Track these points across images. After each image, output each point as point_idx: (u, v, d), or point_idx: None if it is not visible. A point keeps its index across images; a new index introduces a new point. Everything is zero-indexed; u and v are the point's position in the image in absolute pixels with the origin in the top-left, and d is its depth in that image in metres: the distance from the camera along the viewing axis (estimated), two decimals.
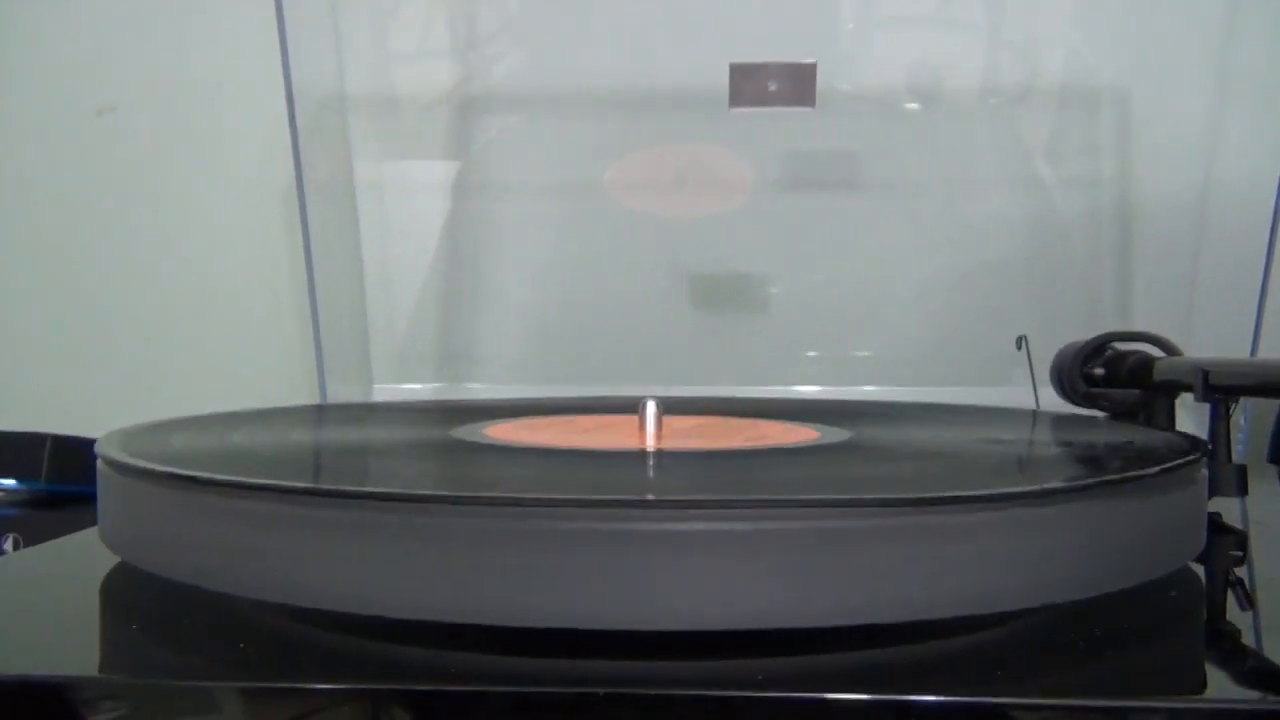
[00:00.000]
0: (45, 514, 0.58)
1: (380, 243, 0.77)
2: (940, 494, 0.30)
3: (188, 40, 0.84)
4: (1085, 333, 0.54)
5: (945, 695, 0.26)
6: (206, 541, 0.32)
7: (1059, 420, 0.52)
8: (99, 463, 0.37)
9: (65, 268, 0.87)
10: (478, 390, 0.76)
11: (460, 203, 0.77)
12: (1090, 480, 0.33)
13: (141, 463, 0.34)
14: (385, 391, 0.76)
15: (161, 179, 0.85)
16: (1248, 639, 0.33)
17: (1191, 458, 0.36)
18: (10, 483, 0.60)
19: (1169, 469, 0.34)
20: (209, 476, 0.32)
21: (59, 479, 0.60)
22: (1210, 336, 0.67)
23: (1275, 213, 0.65)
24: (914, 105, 0.74)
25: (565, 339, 0.77)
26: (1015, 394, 0.60)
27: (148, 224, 0.86)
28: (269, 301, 0.84)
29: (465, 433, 0.46)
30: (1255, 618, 0.35)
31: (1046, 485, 0.32)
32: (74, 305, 0.87)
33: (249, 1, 0.76)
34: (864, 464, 0.40)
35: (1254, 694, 0.28)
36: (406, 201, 0.78)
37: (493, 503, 0.29)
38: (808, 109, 0.70)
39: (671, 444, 0.43)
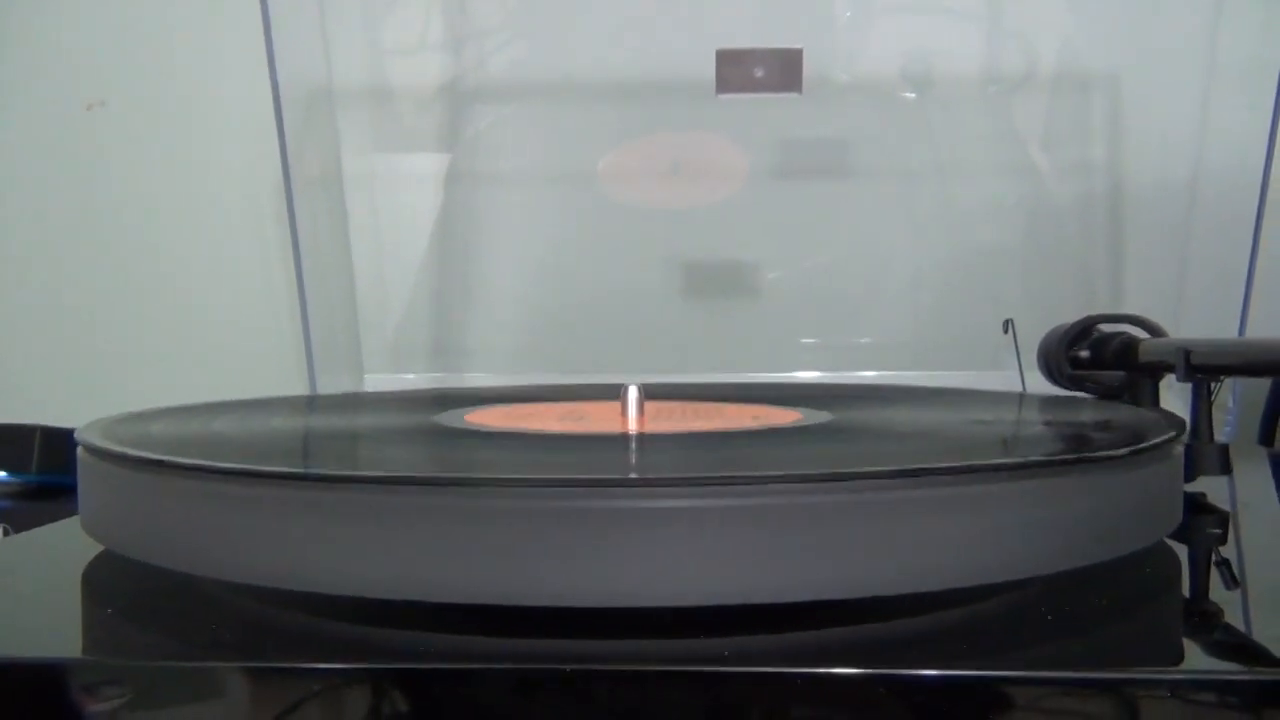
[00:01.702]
0: (35, 505, 0.58)
1: (371, 235, 0.77)
2: (905, 467, 0.30)
3: (177, 34, 0.84)
4: (1078, 317, 0.54)
5: (921, 669, 0.26)
6: (181, 526, 0.32)
7: (1039, 401, 0.52)
8: (78, 450, 0.37)
9: (55, 261, 0.87)
10: (470, 381, 0.76)
11: (451, 193, 0.77)
12: (1057, 456, 0.33)
13: (116, 447, 0.34)
14: (377, 383, 0.76)
15: (151, 172, 0.85)
16: (1225, 614, 0.33)
17: (1166, 436, 0.36)
18: (0, 474, 0.60)
19: (1141, 448, 0.34)
20: (181, 461, 0.32)
21: (49, 470, 0.60)
22: (1199, 319, 0.67)
23: (1261, 197, 0.65)
24: (906, 92, 0.74)
25: (558, 329, 0.77)
26: (1010, 378, 0.60)
27: (137, 217, 0.86)
28: (261, 295, 0.84)
29: (448, 418, 0.46)
30: (1243, 594, 0.35)
31: (1009, 460, 0.32)
32: (64, 298, 0.87)
33: None
34: (842, 443, 0.40)
35: (1230, 665, 0.28)
36: (397, 193, 0.78)
37: (465, 484, 0.29)
38: (796, 94, 0.70)
39: (650, 428, 0.43)
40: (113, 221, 0.86)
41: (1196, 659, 0.29)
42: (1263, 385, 0.66)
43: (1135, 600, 0.33)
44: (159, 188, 0.85)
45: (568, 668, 0.26)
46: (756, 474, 0.29)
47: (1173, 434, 0.37)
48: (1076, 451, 0.35)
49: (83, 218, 0.86)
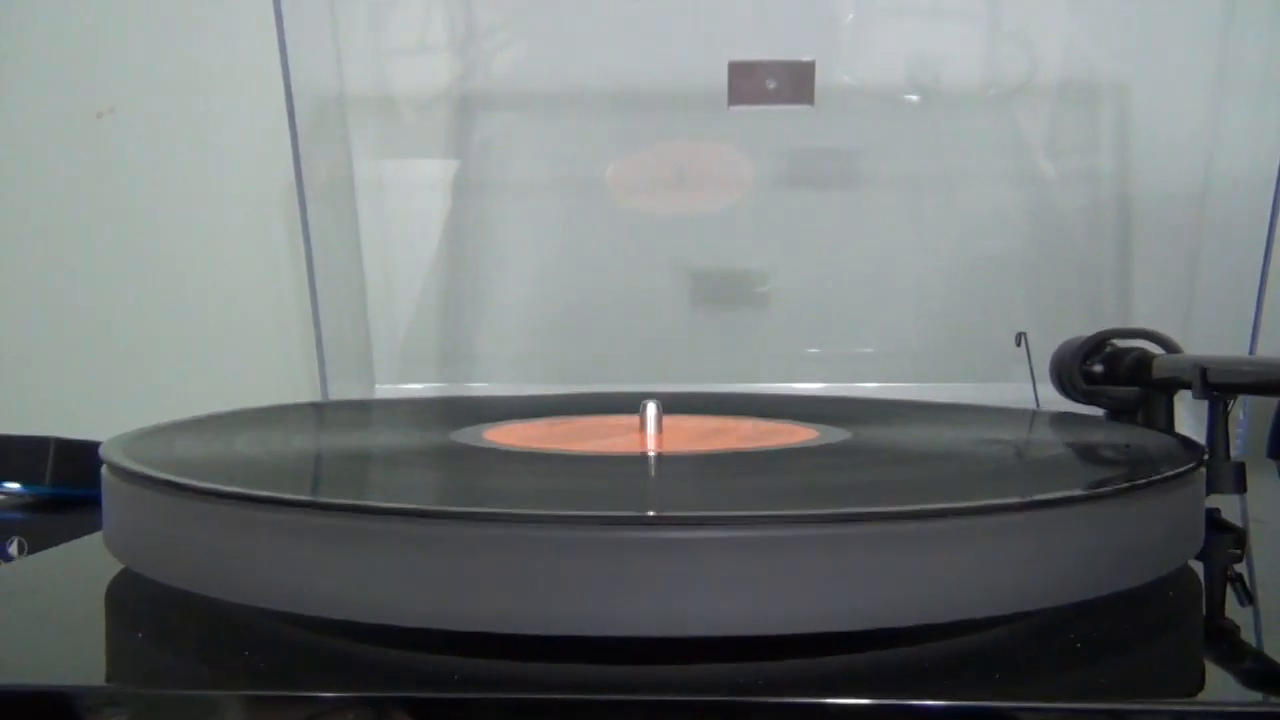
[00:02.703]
0: (50, 517, 0.58)
1: (381, 242, 0.77)
2: (932, 506, 0.30)
3: (187, 41, 0.84)
4: (1086, 328, 0.54)
5: (943, 700, 0.26)
6: (208, 549, 0.32)
7: (1057, 420, 0.52)
8: (104, 469, 0.37)
9: (67, 270, 0.87)
10: (480, 389, 0.76)
11: (460, 201, 0.77)
12: (1084, 491, 0.33)
13: (148, 470, 0.34)
14: (387, 392, 0.76)
15: (162, 181, 0.85)
16: (1246, 638, 0.33)
17: (1188, 466, 0.36)
18: (15, 486, 0.60)
19: (1164, 478, 0.34)
20: (212, 487, 0.32)
21: (63, 482, 0.60)
22: (1210, 331, 0.67)
23: (1274, 206, 0.65)
24: (913, 99, 0.74)
25: (567, 337, 0.77)
26: (1017, 390, 0.60)
27: (149, 225, 0.86)
28: (271, 303, 0.84)
29: (465, 436, 0.46)
30: (1256, 616, 0.35)
31: (1038, 496, 0.32)
32: (76, 308, 0.87)
33: (248, 2, 0.77)
34: (863, 467, 0.40)
35: (1252, 695, 0.28)
36: (407, 200, 0.78)
37: (489, 516, 0.29)
38: (803, 107, 0.70)
39: (671, 447, 0.43)
40: (123, 229, 0.86)
41: (1218, 686, 0.29)
42: (1272, 399, 0.66)
43: (1158, 625, 0.33)
44: (170, 195, 0.85)
45: (600, 697, 0.26)
46: (775, 514, 0.29)
47: (1198, 460, 0.37)
48: (1104, 482, 0.36)
49: (93, 225, 0.86)
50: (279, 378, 0.84)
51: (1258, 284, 0.65)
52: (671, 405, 0.48)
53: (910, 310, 0.76)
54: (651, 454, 0.42)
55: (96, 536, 0.39)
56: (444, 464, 0.42)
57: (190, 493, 0.33)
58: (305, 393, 0.80)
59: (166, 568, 0.34)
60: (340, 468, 0.42)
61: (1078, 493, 0.33)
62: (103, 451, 0.38)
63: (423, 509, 0.30)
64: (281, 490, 0.32)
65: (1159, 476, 0.34)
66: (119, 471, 0.36)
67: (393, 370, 0.77)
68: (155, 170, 0.85)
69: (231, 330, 0.85)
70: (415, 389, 0.76)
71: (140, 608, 0.35)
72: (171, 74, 0.84)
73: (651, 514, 0.30)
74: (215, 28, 0.83)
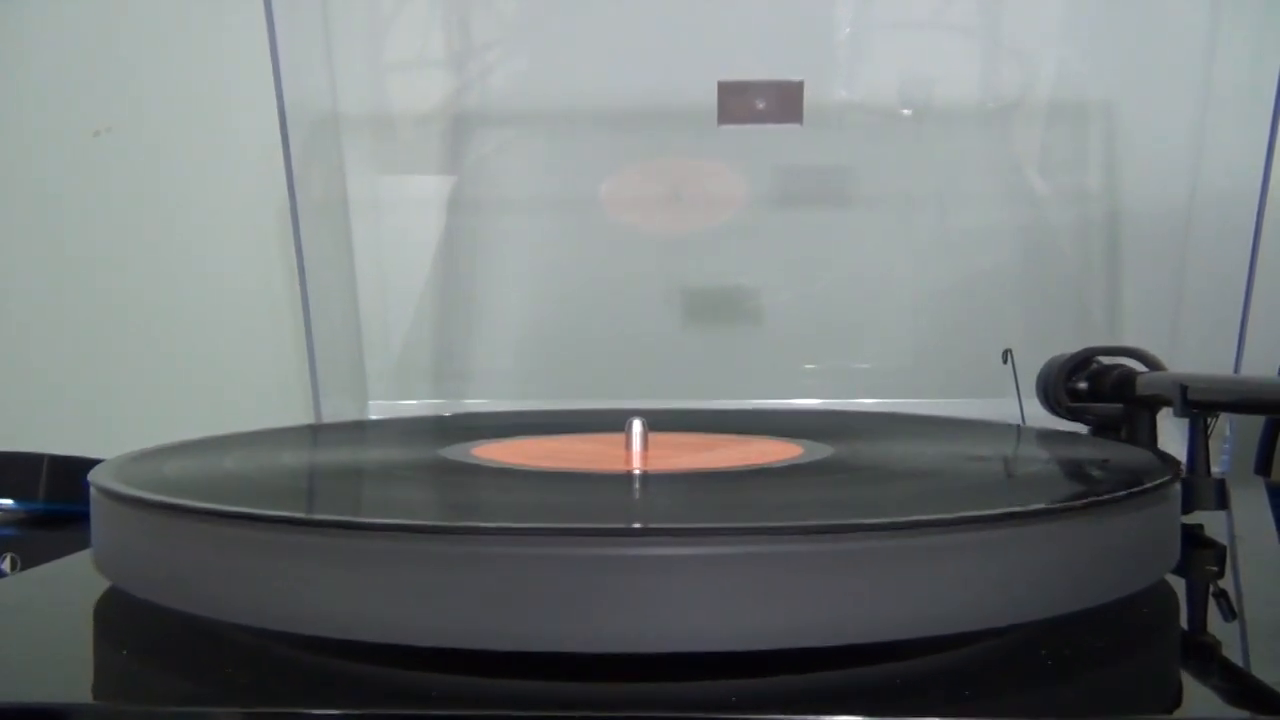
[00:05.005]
0: (43, 534, 0.58)
1: (375, 259, 0.77)
2: (905, 519, 0.30)
3: (183, 60, 0.85)
4: (1076, 344, 0.55)
5: (916, 716, 0.27)
6: (192, 569, 0.32)
7: (1037, 435, 0.53)
8: (92, 490, 0.38)
9: (62, 287, 0.87)
10: (474, 406, 0.76)
11: (454, 218, 0.78)
12: (1056, 505, 0.34)
13: (132, 491, 0.35)
14: (381, 408, 0.76)
15: (158, 199, 0.86)
16: (1223, 654, 0.33)
17: (1163, 479, 0.36)
18: (8, 503, 0.61)
19: (1138, 492, 0.35)
20: (193, 505, 0.32)
21: (56, 499, 0.60)
22: (1196, 346, 0.68)
23: (1258, 223, 0.65)
24: (904, 118, 0.75)
25: (561, 354, 0.78)
26: (1008, 405, 0.61)
27: (144, 243, 0.86)
28: (266, 319, 0.84)
29: (453, 453, 0.46)
30: (1242, 631, 0.35)
31: (1011, 509, 0.32)
32: (70, 325, 0.87)
33: (243, 20, 0.77)
34: (843, 484, 0.41)
35: (1231, 711, 0.29)
36: (401, 217, 0.78)
37: (470, 531, 0.29)
38: (796, 125, 0.70)
39: (654, 465, 0.43)
40: (118, 245, 0.86)
41: (1196, 702, 0.29)
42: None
43: (1133, 641, 0.33)
44: (164, 212, 0.86)
45: (578, 714, 0.27)
46: (752, 525, 0.30)
47: (1169, 477, 0.37)
48: (1075, 497, 0.36)
49: (89, 244, 0.87)
50: (273, 395, 0.84)
51: (1243, 299, 0.66)
52: (663, 423, 0.49)
53: (904, 326, 0.76)
54: (635, 472, 0.42)
55: (87, 553, 0.39)
56: (431, 481, 0.42)
57: (170, 510, 0.33)
58: (299, 409, 0.80)
59: (152, 586, 0.34)
60: (325, 485, 0.43)
61: (1043, 507, 0.33)
62: (92, 477, 0.38)
63: (405, 525, 0.30)
64: (262, 507, 0.32)
65: (1128, 491, 0.34)
66: (105, 491, 0.36)
67: (386, 387, 0.77)
68: (151, 187, 0.86)
69: (225, 347, 0.85)
70: (409, 406, 0.76)
71: (128, 625, 0.35)
72: (167, 92, 0.85)
73: (633, 525, 0.30)
74: (211, 46, 0.84)
